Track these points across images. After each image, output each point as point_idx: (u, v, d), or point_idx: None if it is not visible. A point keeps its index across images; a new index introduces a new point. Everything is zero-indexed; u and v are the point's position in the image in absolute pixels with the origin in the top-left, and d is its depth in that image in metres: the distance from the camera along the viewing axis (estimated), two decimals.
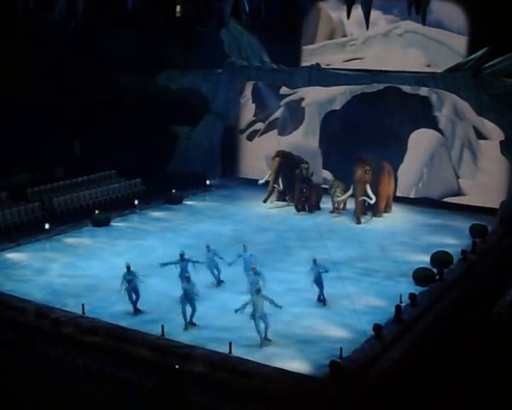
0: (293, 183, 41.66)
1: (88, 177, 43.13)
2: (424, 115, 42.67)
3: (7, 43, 40.09)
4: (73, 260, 31.98)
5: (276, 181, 42.00)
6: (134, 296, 26.24)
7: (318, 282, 26.88)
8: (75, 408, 21.04)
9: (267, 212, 40.69)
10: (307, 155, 44.02)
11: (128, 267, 26.39)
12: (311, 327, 24.88)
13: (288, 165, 42.00)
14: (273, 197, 42.53)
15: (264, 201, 41.44)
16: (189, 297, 25.08)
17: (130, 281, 26.15)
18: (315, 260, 26.81)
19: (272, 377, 21.23)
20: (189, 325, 24.98)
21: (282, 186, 42.09)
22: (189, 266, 27.58)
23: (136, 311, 26.15)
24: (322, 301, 27.00)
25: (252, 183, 43.98)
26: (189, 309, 25.07)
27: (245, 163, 48.92)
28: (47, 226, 35.59)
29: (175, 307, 26.19)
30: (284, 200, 42.53)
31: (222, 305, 26.46)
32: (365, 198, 38.85)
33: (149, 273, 29.21)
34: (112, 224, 37.74)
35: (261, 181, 42.47)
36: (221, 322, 25.18)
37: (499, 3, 35.97)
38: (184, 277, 25.83)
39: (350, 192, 39.53)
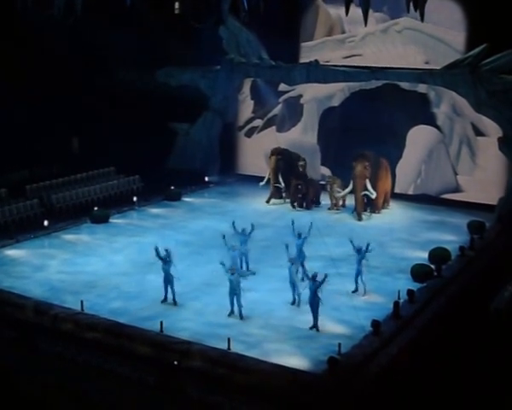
0: (290, 179, 41.65)
1: (87, 174, 43.26)
2: (422, 112, 42.71)
3: (6, 40, 40.11)
4: (72, 256, 32.06)
5: (276, 179, 41.98)
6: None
7: (292, 283, 26.82)
8: (75, 405, 21.04)
9: (266, 208, 40.77)
10: (305, 151, 44.12)
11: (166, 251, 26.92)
12: (309, 323, 24.89)
13: (285, 162, 41.99)
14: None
15: (267, 201, 41.50)
16: (233, 288, 25.48)
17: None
18: (291, 260, 26.77)
19: (271, 374, 21.32)
20: (232, 313, 25.69)
21: (283, 184, 41.92)
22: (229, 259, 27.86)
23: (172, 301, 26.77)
24: (294, 303, 26.80)
25: (250, 179, 44.02)
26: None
27: (243, 160, 48.99)
28: (46, 223, 35.65)
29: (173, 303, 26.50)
30: (281, 197, 42.43)
31: (220, 301, 26.55)
32: (366, 193, 38.96)
33: (147, 270, 29.50)
34: (111, 220, 37.83)
35: (262, 183, 42.50)
36: (219, 318, 25.32)
37: (498, 0, 36.01)
38: (230, 269, 25.97)
39: (350, 188, 39.61)
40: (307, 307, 25.24)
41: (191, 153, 47.08)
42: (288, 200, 41.93)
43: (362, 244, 27.81)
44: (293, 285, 26.77)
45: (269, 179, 42.44)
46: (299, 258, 28.19)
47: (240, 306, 25.54)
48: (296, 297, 26.74)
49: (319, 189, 41.93)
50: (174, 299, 26.71)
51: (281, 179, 41.93)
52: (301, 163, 41.49)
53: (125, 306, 26.41)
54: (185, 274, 27.79)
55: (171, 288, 26.74)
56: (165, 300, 26.82)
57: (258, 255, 31.18)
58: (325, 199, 41.12)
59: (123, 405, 20.92)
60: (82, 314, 25.37)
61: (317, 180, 43.19)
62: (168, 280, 26.62)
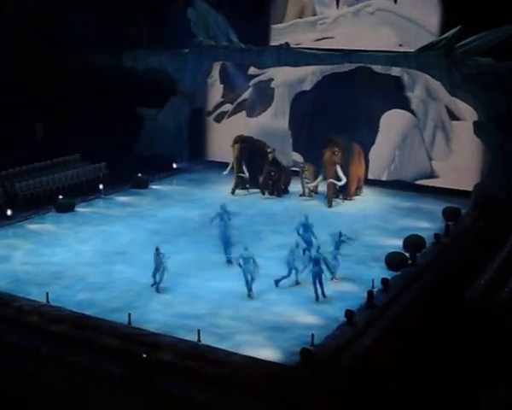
0: (256, 169, 41.42)
1: (51, 161, 42.84)
2: (396, 96, 42.78)
3: None
4: (37, 247, 31.84)
5: (240, 169, 41.56)
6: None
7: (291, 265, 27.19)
8: (42, 397, 20.94)
9: (236, 195, 40.68)
10: (276, 137, 44.20)
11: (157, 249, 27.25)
12: (281, 314, 25.04)
13: (249, 150, 41.70)
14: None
15: (232, 192, 41.15)
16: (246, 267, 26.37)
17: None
18: (245, 251, 26.93)
19: (242, 366, 21.34)
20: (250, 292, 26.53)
21: (247, 173, 41.45)
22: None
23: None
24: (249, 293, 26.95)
25: (220, 166, 43.88)
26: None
27: (213, 146, 48.86)
28: (9, 213, 35.38)
29: (142, 295, 26.58)
30: (246, 187, 42.09)
31: (190, 292, 26.66)
32: (334, 181, 38.85)
33: (115, 260, 29.61)
34: (76, 209, 37.59)
35: (225, 172, 42.26)
36: (189, 309, 25.34)
37: None
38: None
39: (321, 177, 39.67)
40: (279, 298, 25.58)
41: (159, 139, 46.99)
42: (253, 190, 41.61)
43: (335, 232, 28.08)
44: (292, 268, 27.24)
45: (233, 168, 42.15)
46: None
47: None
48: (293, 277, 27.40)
49: (290, 176, 41.90)
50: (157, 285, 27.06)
51: (244, 168, 41.45)
52: (270, 150, 41.23)
53: (91, 297, 26.31)
54: (153, 264, 27.60)
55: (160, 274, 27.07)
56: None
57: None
58: (296, 186, 41.12)
59: (91, 398, 20.85)
60: (47, 306, 25.24)
61: (288, 167, 43.11)
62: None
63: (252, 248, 27.34)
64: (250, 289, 26.62)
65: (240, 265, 26.63)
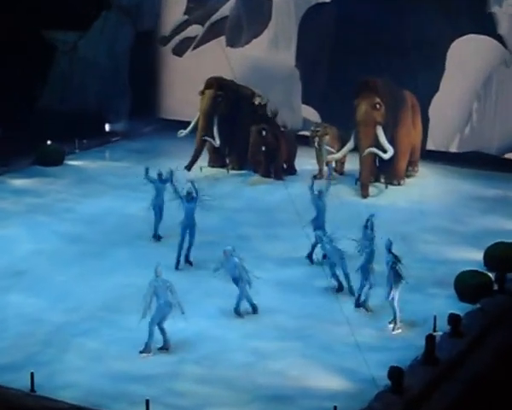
0: (239, 132, 42.02)
1: None
2: (473, 13, 43.03)
3: None
4: None
5: (207, 130, 42.10)
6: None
7: (236, 279, 27.79)
8: None
9: (207, 178, 40.77)
10: (276, 80, 44.65)
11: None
12: (283, 373, 24.99)
13: (227, 103, 42.29)
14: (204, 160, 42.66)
15: (188, 167, 41.51)
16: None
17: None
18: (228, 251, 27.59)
19: None
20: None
21: (218, 140, 41.98)
22: None
23: None
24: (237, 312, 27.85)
25: (180, 128, 44.08)
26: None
27: (170, 95, 49.51)
28: None
29: (52, 342, 26.48)
30: (223, 164, 42.78)
31: (132, 336, 26.48)
32: (375, 150, 39.21)
33: (8, 285, 29.63)
34: None
35: (183, 132, 42.98)
36: (131, 366, 25.19)
37: None
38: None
39: (350, 144, 39.93)
40: (279, 346, 26.03)
41: (81, 82, 47.33)
42: (235, 167, 42.38)
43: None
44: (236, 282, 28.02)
45: (195, 128, 42.69)
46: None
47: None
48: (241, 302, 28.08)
49: (296, 146, 42.22)
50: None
51: (216, 131, 42.06)
52: (262, 102, 41.53)
53: None
54: (72, 292, 28.00)
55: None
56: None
57: (200, 256, 31.52)
58: (306, 162, 41.38)
59: None
60: None
61: (295, 131, 43.20)
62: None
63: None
64: (237, 305, 27.55)
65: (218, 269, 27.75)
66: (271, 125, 41.34)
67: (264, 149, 40.86)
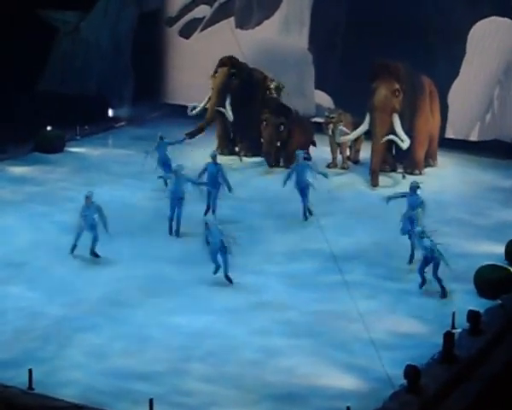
0: (250, 117, 41.78)
1: None
2: None
3: None
4: None
5: (220, 104, 42.03)
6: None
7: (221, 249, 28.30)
8: None
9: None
10: (288, 64, 44.68)
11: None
12: (293, 371, 24.65)
13: (241, 83, 42.27)
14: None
15: (190, 135, 41.48)
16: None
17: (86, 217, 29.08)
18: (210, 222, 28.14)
19: None
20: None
21: (231, 114, 41.89)
22: None
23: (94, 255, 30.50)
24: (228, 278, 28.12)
25: (186, 114, 44.06)
26: None
27: (176, 79, 49.34)
28: None
29: (52, 337, 26.20)
30: (232, 151, 42.70)
31: (136, 333, 26.38)
32: (394, 138, 38.93)
33: (6, 277, 29.39)
34: None
35: (194, 110, 42.94)
36: (135, 363, 24.89)
37: None
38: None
39: (364, 127, 39.64)
40: (289, 343, 25.60)
41: (82, 65, 47.07)
42: (247, 154, 42.37)
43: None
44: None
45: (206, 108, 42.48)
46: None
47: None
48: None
49: (311, 133, 41.89)
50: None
51: (228, 106, 41.95)
52: (273, 85, 41.29)
53: None
54: (73, 284, 27.79)
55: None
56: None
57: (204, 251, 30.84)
58: (322, 149, 41.01)
59: None
60: None
61: (308, 117, 42.87)
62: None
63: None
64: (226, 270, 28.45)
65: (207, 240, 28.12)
66: (283, 112, 41.02)
67: (278, 143, 40.96)
